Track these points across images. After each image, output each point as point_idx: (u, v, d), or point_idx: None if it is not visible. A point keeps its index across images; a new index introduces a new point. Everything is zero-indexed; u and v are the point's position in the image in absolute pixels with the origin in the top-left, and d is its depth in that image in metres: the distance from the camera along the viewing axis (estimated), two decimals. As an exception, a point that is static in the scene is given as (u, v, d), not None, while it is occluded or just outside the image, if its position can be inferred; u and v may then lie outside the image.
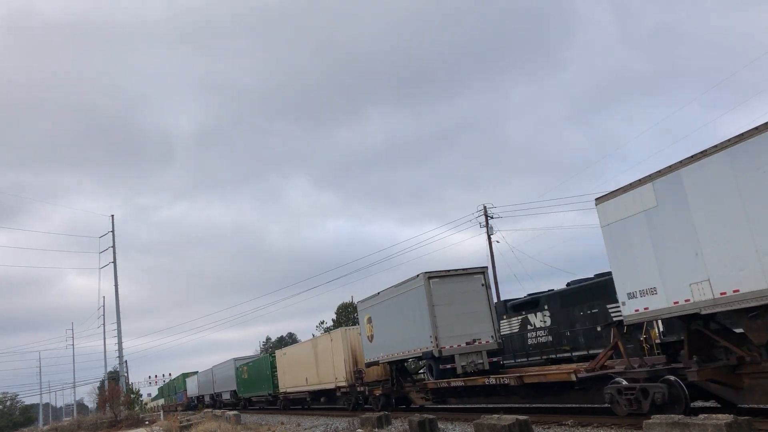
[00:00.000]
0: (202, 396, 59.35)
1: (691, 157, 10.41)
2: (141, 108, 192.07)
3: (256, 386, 41.00)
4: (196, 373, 64.08)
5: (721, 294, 9.95)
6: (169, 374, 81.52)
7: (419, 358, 20.66)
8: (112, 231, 58.31)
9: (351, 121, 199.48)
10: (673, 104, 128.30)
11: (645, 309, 11.51)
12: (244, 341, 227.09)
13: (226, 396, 49.54)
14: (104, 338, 71.81)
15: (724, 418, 8.15)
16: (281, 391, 35.46)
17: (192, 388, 63.19)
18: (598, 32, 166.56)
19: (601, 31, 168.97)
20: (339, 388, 26.85)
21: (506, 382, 15.91)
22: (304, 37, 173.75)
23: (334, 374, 27.09)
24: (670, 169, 10.82)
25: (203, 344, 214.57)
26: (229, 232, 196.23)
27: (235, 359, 47.08)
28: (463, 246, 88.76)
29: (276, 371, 36.47)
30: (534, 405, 17.04)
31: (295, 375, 33.06)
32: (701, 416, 8.51)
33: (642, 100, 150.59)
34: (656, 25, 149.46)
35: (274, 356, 37.75)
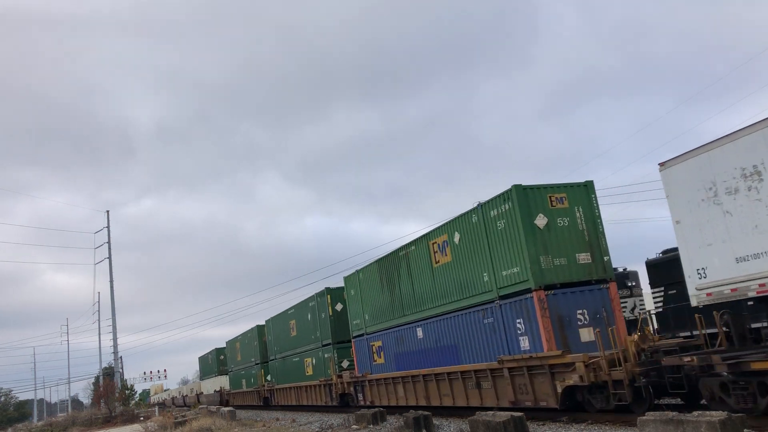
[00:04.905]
0: None
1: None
2: (98, 100, 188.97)
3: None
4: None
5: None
6: (164, 370, 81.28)
7: None
8: (107, 227, 58.28)
9: (318, 117, 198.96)
10: (644, 98, 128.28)
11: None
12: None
13: None
14: (99, 334, 71.76)
15: (718, 416, 8.19)
16: None
17: None
18: (562, 27, 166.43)
19: (566, 26, 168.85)
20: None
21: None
22: (268, 32, 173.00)
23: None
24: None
25: (195, 341, 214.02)
26: (203, 228, 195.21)
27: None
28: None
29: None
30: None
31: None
32: (695, 413, 8.54)
33: (613, 94, 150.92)
34: (621, 18, 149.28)
35: None
